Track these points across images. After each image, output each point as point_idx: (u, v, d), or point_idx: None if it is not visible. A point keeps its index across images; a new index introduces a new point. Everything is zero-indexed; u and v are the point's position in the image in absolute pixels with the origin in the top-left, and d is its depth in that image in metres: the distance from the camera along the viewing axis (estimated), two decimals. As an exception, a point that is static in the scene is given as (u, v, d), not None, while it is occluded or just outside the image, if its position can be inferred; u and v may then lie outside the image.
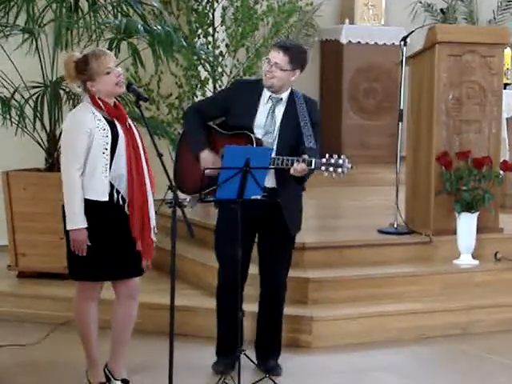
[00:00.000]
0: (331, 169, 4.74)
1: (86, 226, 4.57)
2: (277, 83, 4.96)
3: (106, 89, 4.61)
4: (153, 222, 4.71)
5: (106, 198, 4.58)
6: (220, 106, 5.10)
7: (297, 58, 4.97)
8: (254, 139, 4.91)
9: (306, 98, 5.06)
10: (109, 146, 4.58)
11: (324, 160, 4.76)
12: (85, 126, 4.56)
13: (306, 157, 4.75)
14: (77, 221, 4.56)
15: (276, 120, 5.01)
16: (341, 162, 4.75)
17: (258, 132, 4.98)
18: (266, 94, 5.03)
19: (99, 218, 4.60)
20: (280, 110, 5.02)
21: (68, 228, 4.59)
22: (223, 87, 8.13)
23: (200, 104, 5.43)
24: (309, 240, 6.32)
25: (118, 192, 4.60)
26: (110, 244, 4.63)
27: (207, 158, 4.99)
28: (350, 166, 4.77)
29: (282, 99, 5.03)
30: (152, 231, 4.71)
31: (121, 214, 4.62)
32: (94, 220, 4.59)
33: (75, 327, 4.90)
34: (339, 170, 4.74)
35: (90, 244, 4.58)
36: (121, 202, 4.61)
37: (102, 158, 4.56)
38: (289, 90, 5.05)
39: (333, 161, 4.75)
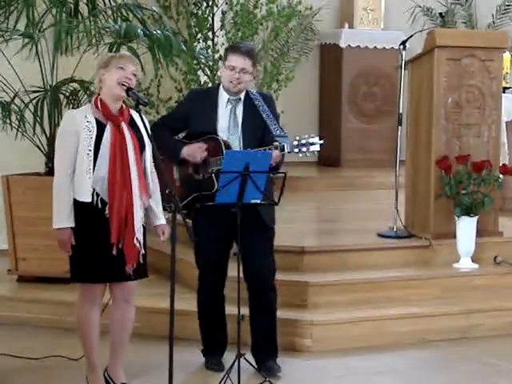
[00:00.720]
0: (304, 149, 4.87)
1: (70, 225, 4.59)
2: (244, 87, 5.11)
3: (109, 83, 4.62)
4: (137, 227, 4.65)
5: (89, 200, 4.59)
6: (181, 118, 5.22)
7: (256, 59, 5.16)
8: (221, 141, 5.02)
9: (261, 94, 5.21)
10: (92, 148, 4.58)
11: (295, 142, 4.89)
12: (73, 127, 4.60)
13: (276, 143, 4.88)
14: (61, 220, 4.59)
15: (238, 120, 5.12)
16: (311, 140, 4.87)
17: (223, 135, 5.08)
18: (223, 97, 5.14)
19: (84, 219, 4.61)
20: (240, 110, 5.13)
21: (53, 226, 4.62)
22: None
23: (162, 120, 5.46)
24: (308, 244, 6.32)
25: (97, 194, 4.60)
26: (95, 246, 4.63)
27: (189, 149, 5.07)
28: (321, 141, 4.89)
29: (240, 99, 5.14)
30: (135, 236, 4.64)
31: (103, 217, 4.61)
32: (80, 221, 4.61)
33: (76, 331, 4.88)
34: (311, 147, 4.87)
35: (73, 243, 4.60)
36: (100, 204, 4.60)
37: (86, 159, 4.57)
38: (245, 90, 5.17)
39: (304, 141, 4.88)
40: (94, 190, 4.58)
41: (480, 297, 6.35)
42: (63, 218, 4.59)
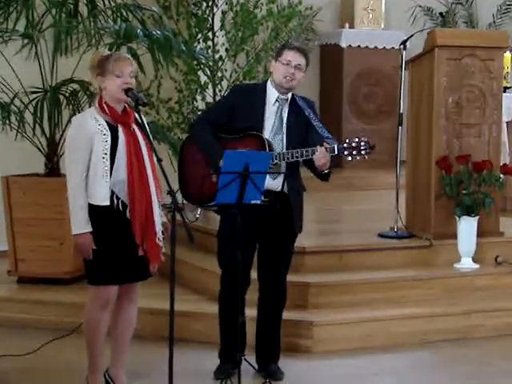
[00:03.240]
0: (354, 152, 4.84)
1: (89, 230, 4.57)
2: (296, 84, 5.07)
3: (111, 89, 4.61)
4: (158, 227, 4.68)
5: (107, 203, 4.58)
6: (225, 111, 5.13)
7: (309, 60, 5.12)
8: (265, 140, 4.97)
9: (304, 99, 5.16)
10: (108, 151, 4.57)
11: (345, 145, 4.85)
12: (85, 131, 4.58)
13: (326, 145, 4.83)
14: (80, 225, 4.57)
15: (283, 120, 5.07)
16: (363, 144, 4.85)
17: (267, 133, 5.03)
18: (272, 95, 5.08)
19: (102, 223, 4.60)
20: (285, 111, 5.09)
21: (72, 233, 4.60)
22: (223, 92, 8.13)
23: (205, 114, 5.45)
24: (309, 244, 6.31)
25: (117, 198, 4.59)
26: (115, 248, 4.62)
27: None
28: (372, 144, 4.87)
29: (287, 100, 5.10)
30: (157, 236, 4.67)
31: (123, 219, 4.61)
32: (98, 224, 4.60)
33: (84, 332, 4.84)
34: (362, 152, 4.85)
35: (95, 248, 4.59)
36: (121, 207, 4.60)
37: (101, 162, 4.56)
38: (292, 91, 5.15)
39: (354, 144, 4.84)
40: (113, 193, 4.58)
41: (481, 297, 6.35)
42: (82, 223, 4.57)
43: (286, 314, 5.33)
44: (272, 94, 5.08)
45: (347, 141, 4.86)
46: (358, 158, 4.86)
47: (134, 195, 4.60)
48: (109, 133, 4.59)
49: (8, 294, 6.62)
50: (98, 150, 4.56)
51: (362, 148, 4.85)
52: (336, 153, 4.83)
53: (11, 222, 6.78)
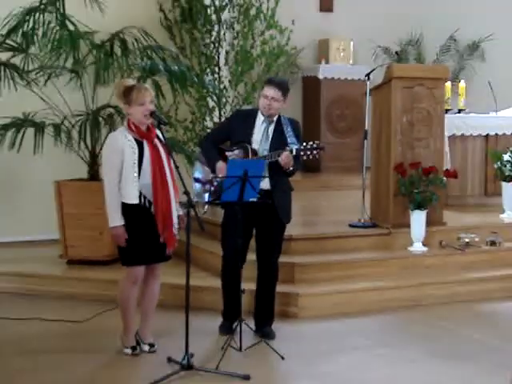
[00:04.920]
0: (308, 152, 4.84)
1: (122, 223, 4.57)
2: (275, 112, 5.06)
3: (136, 116, 4.61)
4: (175, 220, 4.68)
5: (137, 201, 4.58)
6: (225, 131, 5.18)
7: (286, 91, 5.07)
8: (249, 149, 4.98)
9: (290, 120, 5.14)
10: (136, 161, 4.58)
11: (302, 147, 4.85)
12: (116, 146, 4.59)
13: (287, 148, 4.87)
14: (115, 220, 4.58)
15: (269, 136, 5.06)
16: (315, 145, 4.85)
17: (255, 145, 5.03)
18: (260, 117, 5.09)
19: (133, 217, 4.60)
20: (271, 129, 5.07)
21: (109, 226, 4.60)
22: (227, 114, 8.12)
23: (210, 134, 5.48)
24: (295, 233, 6.27)
25: (144, 197, 4.60)
26: (142, 236, 4.62)
27: (220, 166, 5.02)
28: (322, 146, 4.88)
29: (273, 121, 5.08)
30: (173, 227, 4.67)
31: (148, 214, 4.61)
32: (129, 218, 4.60)
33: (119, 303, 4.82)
34: (314, 152, 4.85)
35: (127, 237, 4.58)
36: (147, 204, 4.60)
37: (132, 170, 4.56)
38: (277, 114, 5.11)
39: (308, 146, 4.86)
40: (140, 193, 4.57)
41: (429, 273, 6.32)
42: (117, 218, 4.58)
43: (277, 288, 5.29)
44: (261, 116, 5.08)
45: (304, 144, 4.84)
46: (311, 157, 4.84)
47: (157, 195, 4.59)
48: (136, 146, 4.59)
49: (60, 273, 6.57)
50: (128, 160, 4.56)
51: (314, 148, 4.83)
52: (294, 153, 4.83)
53: (62, 217, 6.76)
